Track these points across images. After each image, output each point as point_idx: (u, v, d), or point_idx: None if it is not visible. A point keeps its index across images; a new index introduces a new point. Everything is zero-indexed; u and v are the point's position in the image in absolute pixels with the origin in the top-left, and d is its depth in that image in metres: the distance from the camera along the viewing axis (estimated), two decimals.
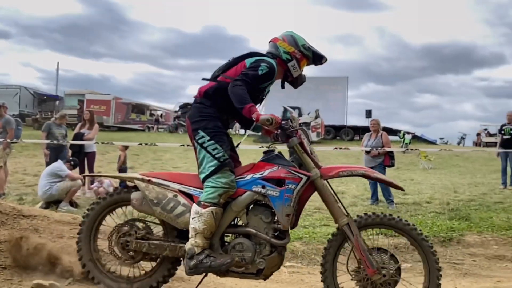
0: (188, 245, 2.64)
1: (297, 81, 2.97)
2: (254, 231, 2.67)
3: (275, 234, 2.70)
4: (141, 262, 2.92)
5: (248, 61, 2.81)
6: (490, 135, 31.15)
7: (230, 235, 2.80)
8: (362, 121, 27.23)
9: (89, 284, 2.95)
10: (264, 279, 2.75)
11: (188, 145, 8.87)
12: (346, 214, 2.73)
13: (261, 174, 2.70)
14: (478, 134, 32.88)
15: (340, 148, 10.59)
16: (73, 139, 8.19)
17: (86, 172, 8.14)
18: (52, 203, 6.69)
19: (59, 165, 7.01)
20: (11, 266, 3.11)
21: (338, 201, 2.76)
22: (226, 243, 2.76)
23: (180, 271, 2.95)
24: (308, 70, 3.05)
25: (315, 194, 2.77)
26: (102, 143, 7.87)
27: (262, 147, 5.47)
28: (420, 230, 2.76)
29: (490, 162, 15.44)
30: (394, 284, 2.66)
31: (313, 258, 4.59)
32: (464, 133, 34.17)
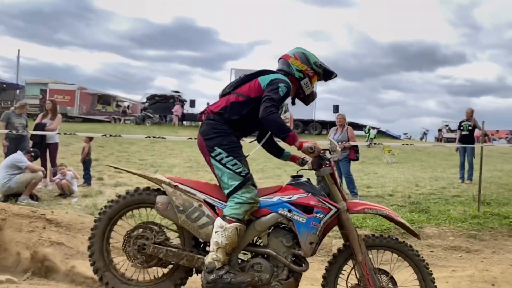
0: (208, 259, 2.59)
1: (308, 98, 2.98)
2: (274, 253, 2.64)
3: (293, 259, 2.67)
4: (153, 267, 2.80)
5: (262, 80, 2.78)
6: (451, 131, 32.37)
7: (248, 253, 2.76)
8: (330, 116, 27.59)
9: (48, 279, 2.89)
10: None
11: (154, 137, 8.76)
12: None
13: (289, 197, 2.68)
14: (440, 130, 34.17)
15: None
16: (34, 130, 7.90)
17: (48, 164, 7.92)
18: (11, 196, 6.47)
19: (19, 157, 6.77)
20: None
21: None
22: (243, 261, 2.71)
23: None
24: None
25: None
26: (65, 134, 7.62)
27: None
28: (424, 260, 2.78)
29: (450, 157, 15.96)
30: None
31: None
32: (427, 129, 35.33)
